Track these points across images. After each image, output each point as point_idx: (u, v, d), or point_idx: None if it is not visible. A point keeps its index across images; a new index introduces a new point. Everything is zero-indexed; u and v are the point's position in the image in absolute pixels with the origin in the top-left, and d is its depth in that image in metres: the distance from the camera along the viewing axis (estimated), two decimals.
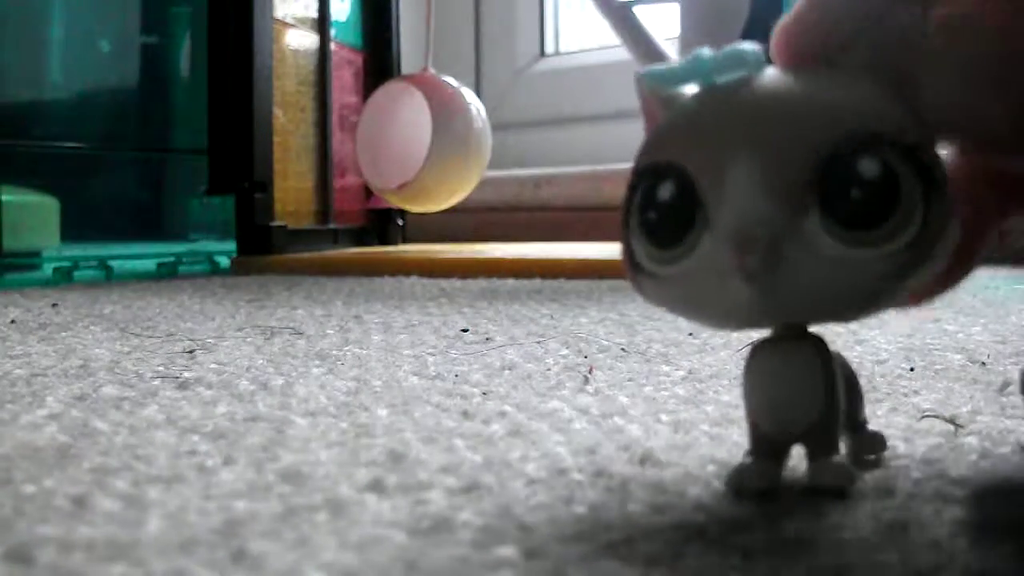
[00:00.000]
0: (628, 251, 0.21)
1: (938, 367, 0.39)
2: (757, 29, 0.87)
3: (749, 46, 0.20)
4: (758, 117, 0.19)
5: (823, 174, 0.18)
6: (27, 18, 1.48)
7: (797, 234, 0.18)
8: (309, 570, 0.17)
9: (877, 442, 0.24)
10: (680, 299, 0.20)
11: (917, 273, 0.19)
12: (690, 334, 0.47)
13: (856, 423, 0.24)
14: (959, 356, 0.42)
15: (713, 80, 0.20)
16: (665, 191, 0.20)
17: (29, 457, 0.25)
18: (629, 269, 0.21)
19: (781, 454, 0.21)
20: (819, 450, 0.21)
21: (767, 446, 0.21)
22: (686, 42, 0.94)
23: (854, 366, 0.24)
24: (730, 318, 0.20)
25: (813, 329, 0.21)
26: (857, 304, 0.19)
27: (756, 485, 0.21)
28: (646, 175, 0.20)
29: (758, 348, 0.21)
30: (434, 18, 1.17)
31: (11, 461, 0.24)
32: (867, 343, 0.46)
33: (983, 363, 0.41)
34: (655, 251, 0.20)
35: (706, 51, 0.20)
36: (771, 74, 0.20)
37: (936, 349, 0.44)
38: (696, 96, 0.20)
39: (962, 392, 0.34)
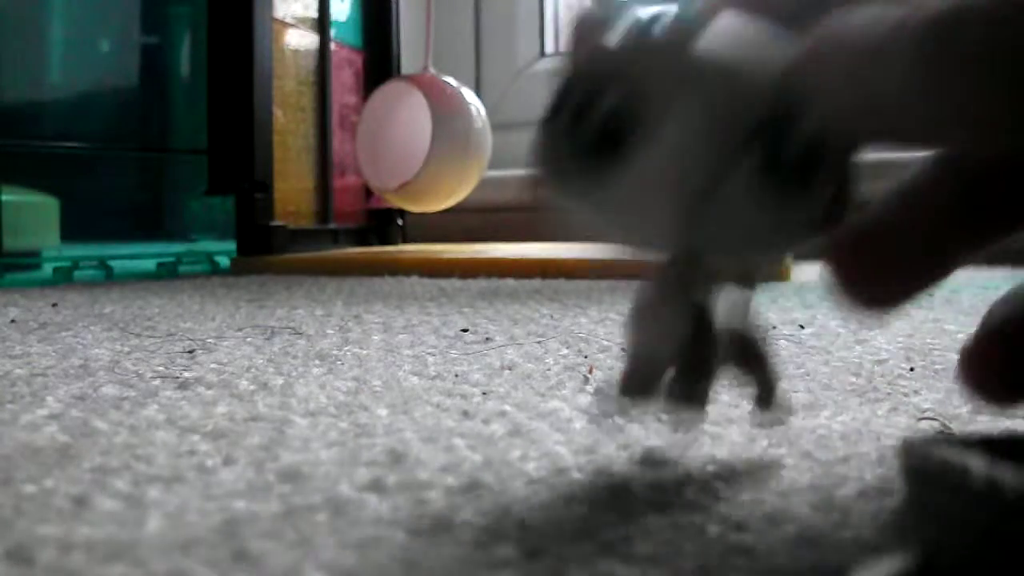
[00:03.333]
0: (548, 155, 0.21)
1: (938, 367, 0.39)
2: None
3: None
4: (710, 58, 0.19)
5: (763, 123, 0.19)
6: (27, 18, 1.48)
7: (732, 174, 0.19)
8: (309, 570, 0.17)
9: (779, 404, 0.24)
10: (610, 210, 0.20)
11: (824, 232, 0.20)
12: None
13: (761, 379, 0.24)
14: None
15: (658, 16, 0.20)
16: (610, 98, 0.20)
17: (29, 457, 0.25)
18: (545, 174, 0.21)
19: (645, 386, 0.22)
20: (680, 374, 0.22)
21: (633, 375, 0.22)
22: None
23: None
24: (653, 239, 0.21)
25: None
26: (762, 246, 0.20)
27: (613, 412, 0.23)
28: (581, 85, 0.20)
29: (642, 287, 0.22)
30: (434, 18, 1.17)
31: (11, 461, 0.24)
32: (867, 343, 0.46)
33: None
34: (588, 159, 0.20)
35: None
36: (726, 21, 0.20)
37: (936, 349, 0.45)
38: (648, 20, 0.20)
39: (962, 392, 0.34)
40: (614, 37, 0.20)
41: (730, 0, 0.21)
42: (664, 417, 0.23)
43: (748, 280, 0.25)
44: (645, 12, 0.20)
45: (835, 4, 0.19)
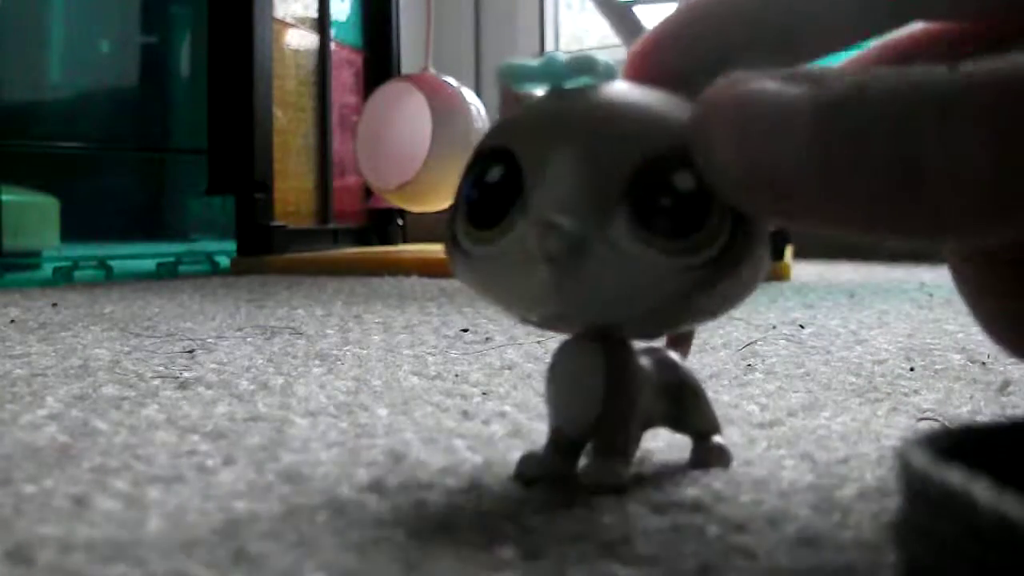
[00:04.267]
0: (451, 226, 0.21)
1: (938, 367, 0.39)
2: None
3: (602, 57, 0.20)
4: (588, 117, 0.20)
5: (637, 179, 0.19)
6: (27, 18, 1.48)
7: (606, 231, 0.19)
8: (309, 570, 0.17)
9: (716, 455, 0.24)
10: (487, 280, 0.21)
11: (714, 292, 0.19)
12: None
13: (697, 431, 0.24)
14: (959, 356, 0.42)
15: (563, 83, 0.20)
16: (494, 173, 0.20)
17: (29, 457, 0.25)
18: (448, 244, 0.21)
19: (570, 450, 0.22)
20: (598, 449, 0.22)
21: (557, 439, 0.22)
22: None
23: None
24: (532, 305, 0.21)
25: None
26: (654, 311, 0.20)
27: (531, 472, 0.22)
28: (481, 158, 0.21)
29: (558, 348, 0.22)
30: (434, 18, 1.17)
31: (11, 461, 0.24)
32: (867, 343, 0.46)
33: (983, 363, 0.41)
34: (473, 230, 0.20)
35: (560, 55, 0.21)
36: (616, 84, 0.20)
37: (936, 349, 0.45)
38: (544, 95, 0.21)
39: (962, 392, 0.34)
40: (514, 106, 0.21)
41: (643, 67, 0.21)
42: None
43: (679, 341, 0.25)
44: (544, 79, 0.21)
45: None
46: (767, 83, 0.17)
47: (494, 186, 0.20)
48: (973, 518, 0.13)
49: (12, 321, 0.58)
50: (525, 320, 0.21)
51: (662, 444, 0.26)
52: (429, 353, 0.44)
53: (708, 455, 0.24)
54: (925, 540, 0.14)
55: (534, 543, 0.18)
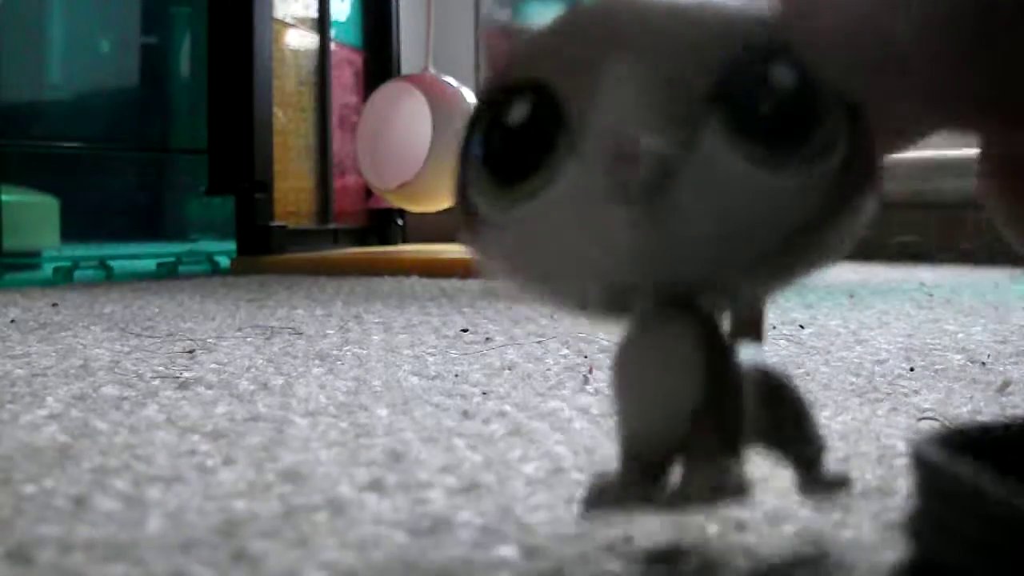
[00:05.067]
0: (463, 197, 0.16)
1: (938, 367, 0.39)
2: None
3: None
4: (643, 22, 0.15)
5: (726, 81, 0.14)
6: (27, 18, 1.48)
7: (694, 153, 0.14)
8: (309, 570, 0.17)
9: (831, 483, 0.18)
10: (530, 250, 0.16)
11: (837, 223, 0.15)
12: None
13: (799, 453, 0.18)
14: (959, 356, 0.42)
15: None
16: (516, 113, 0.15)
17: (29, 457, 0.25)
18: (465, 220, 0.16)
19: (655, 468, 0.16)
20: (699, 451, 0.16)
21: (636, 456, 0.16)
22: None
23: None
24: (604, 269, 0.15)
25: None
26: (765, 256, 0.15)
27: (607, 504, 0.16)
28: (491, 102, 0.16)
29: (626, 338, 0.16)
30: (434, 18, 1.17)
31: (11, 461, 0.24)
32: (867, 343, 0.46)
33: (983, 363, 0.41)
34: (499, 190, 0.15)
35: None
36: None
37: (936, 349, 0.44)
38: (562, 14, 0.17)
39: (962, 392, 0.34)
40: (520, 41, 0.17)
41: None
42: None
43: (752, 327, 0.18)
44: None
45: None
46: None
47: (521, 129, 0.15)
48: (984, 509, 0.13)
49: (12, 321, 0.58)
50: (581, 304, 0.16)
51: None
52: (429, 353, 0.44)
53: (822, 482, 0.18)
54: (938, 532, 0.14)
55: (534, 543, 0.18)
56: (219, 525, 0.19)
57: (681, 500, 0.16)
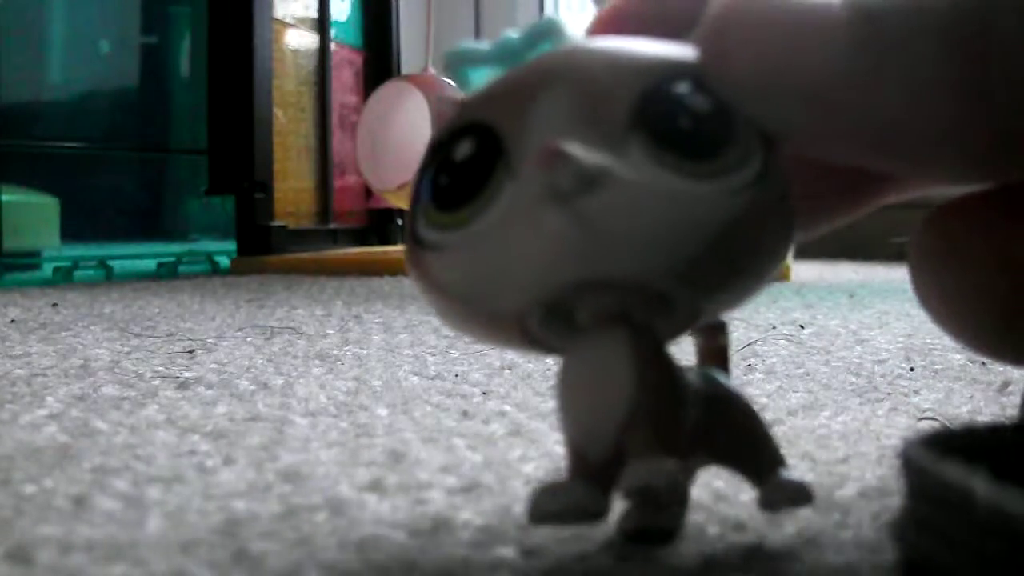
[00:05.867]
0: (410, 229, 0.17)
1: (938, 367, 0.39)
2: None
3: (556, 17, 0.18)
4: (570, 63, 0.17)
5: (646, 102, 0.16)
6: (27, 18, 1.48)
7: (621, 161, 0.15)
8: (309, 570, 0.17)
9: (792, 493, 0.18)
10: (473, 267, 0.16)
11: (757, 235, 0.16)
12: (689, 333, 0.47)
13: (750, 468, 0.18)
14: (959, 356, 0.42)
15: (524, 58, 0.18)
16: (460, 151, 0.17)
17: (29, 457, 0.25)
18: (409, 251, 0.17)
19: (599, 475, 0.16)
20: (636, 447, 0.16)
21: (579, 462, 0.17)
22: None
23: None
24: (541, 275, 0.16)
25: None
26: (694, 260, 0.16)
27: (551, 509, 0.16)
28: (437, 148, 0.17)
29: (568, 349, 0.17)
30: (434, 18, 1.17)
31: (11, 461, 0.24)
32: (867, 343, 0.46)
33: (983, 363, 0.41)
34: (443, 216, 0.16)
35: (512, 32, 0.19)
36: (585, 39, 0.18)
37: (936, 349, 0.45)
38: (504, 73, 0.18)
39: (962, 392, 0.34)
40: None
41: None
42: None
43: (717, 356, 0.20)
44: (502, 51, 0.18)
45: None
46: None
47: (465, 162, 0.16)
48: (972, 511, 0.13)
49: (12, 321, 0.58)
50: (519, 324, 0.17)
51: None
52: (429, 353, 0.44)
53: (781, 493, 0.18)
54: (926, 534, 0.14)
55: (534, 543, 0.18)
56: (219, 525, 0.19)
57: (624, 489, 0.16)
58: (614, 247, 0.15)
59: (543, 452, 0.25)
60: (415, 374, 0.38)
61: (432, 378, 0.37)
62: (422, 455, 0.25)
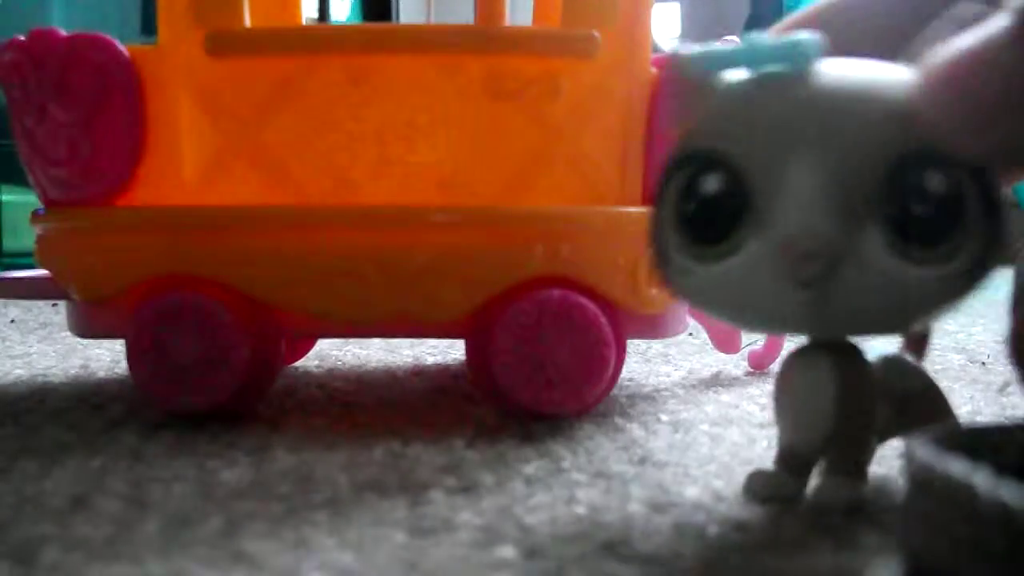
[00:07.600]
0: (658, 243, 0.20)
1: (938, 367, 0.39)
2: (757, 28, 0.87)
3: (809, 35, 0.18)
4: (825, 115, 0.18)
5: (888, 186, 0.17)
6: (27, 17, 1.48)
7: (856, 245, 0.17)
8: (309, 570, 0.17)
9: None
10: (720, 299, 0.19)
11: (970, 296, 0.18)
12: (690, 334, 0.47)
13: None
14: (959, 356, 0.42)
15: (766, 68, 0.18)
16: (711, 183, 0.18)
17: (29, 457, 0.25)
18: (657, 262, 0.20)
19: (801, 467, 0.20)
20: (831, 467, 0.20)
21: (788, 457, 0.21)
22: (687, 40, 0.94)
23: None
24: (774, 323, 0.20)
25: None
26: (906, 320, 0.18)
27: (760, 492, 0.21)
28: (688, 162, 0.19)
29: (787, 359, 0.20)
30: (434, 18, 1.17)
31: (12, 461, 0.24)
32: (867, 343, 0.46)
33: (983, 363, 0.41)
34: (693, 246, 0.19)
35: (763, 36, 0.18)
36: (827, 68, 0.18)
37: (936, 349, 0.45)
38: (745, 83, 0.19)
39: (962, 392, 0.34)
40: (713, 101, 0.19)
41: (816, 23, 0.20)
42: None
43: (919, 343, 0.23)
44: (743, 65, 0.19)
45: (929, 15, 0.18)
46: (969, 36, 0.16)
47: (714, 199, 0.18)
48: (974, 506, 0.13)
49: (12, 321, 0.58)
50: (763, 332, 0.21)
51: (662, 444, 0.26)
52: (429, 353, 0.44)
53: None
54: (929, 529, 0.14)
55: (534, 543, 0.18)
56: (219, 525, 0.19)
57: (814, 501, 0.20)
58: (842, 319, 0.18)
59: (543, 452, 0.25)
60: (415, 374, 0.38)
61: (432, 378, 0.37)
62: (422, 455, 0.25)
